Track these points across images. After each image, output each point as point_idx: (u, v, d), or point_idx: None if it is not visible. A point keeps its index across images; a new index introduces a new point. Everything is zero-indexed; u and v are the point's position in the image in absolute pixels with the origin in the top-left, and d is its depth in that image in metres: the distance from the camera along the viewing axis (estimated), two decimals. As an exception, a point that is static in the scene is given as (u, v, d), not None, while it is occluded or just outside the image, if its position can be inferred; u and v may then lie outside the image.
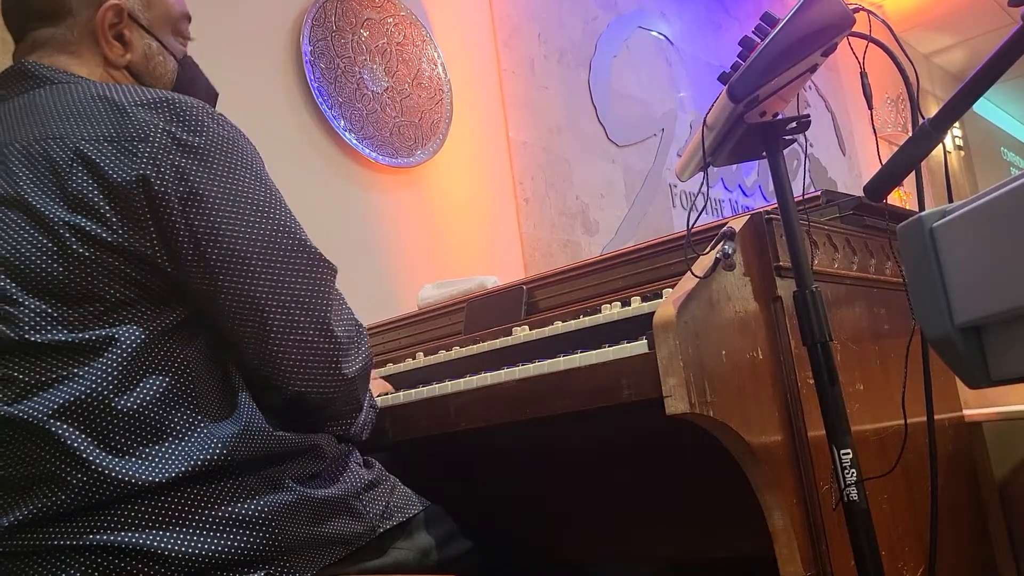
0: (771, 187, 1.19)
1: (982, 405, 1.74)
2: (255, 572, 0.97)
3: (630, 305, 1.33)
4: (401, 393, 1.39)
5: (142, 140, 1.00)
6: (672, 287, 1.18)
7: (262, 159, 1.12)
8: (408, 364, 1.65)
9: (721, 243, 1.14)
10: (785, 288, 1.21)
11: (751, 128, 1.15)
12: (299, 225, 1.10)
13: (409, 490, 1.23)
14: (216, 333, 1.06)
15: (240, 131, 1.11)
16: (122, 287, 0.98)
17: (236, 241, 1.02)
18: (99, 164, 0.98)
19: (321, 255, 1.11)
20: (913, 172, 1.01)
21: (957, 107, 0.91)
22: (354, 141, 2.72)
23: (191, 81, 1.26)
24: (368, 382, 1.19)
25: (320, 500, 1.06)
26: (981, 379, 0.74)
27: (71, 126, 1.02)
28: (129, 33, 1.18)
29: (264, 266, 1.04)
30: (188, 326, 1.03)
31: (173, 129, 1.02)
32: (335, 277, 1.13)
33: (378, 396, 1.44)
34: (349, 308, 1.15)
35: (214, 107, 1.29)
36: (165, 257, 1.00)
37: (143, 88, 1.08)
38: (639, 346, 1.09)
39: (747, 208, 4.43)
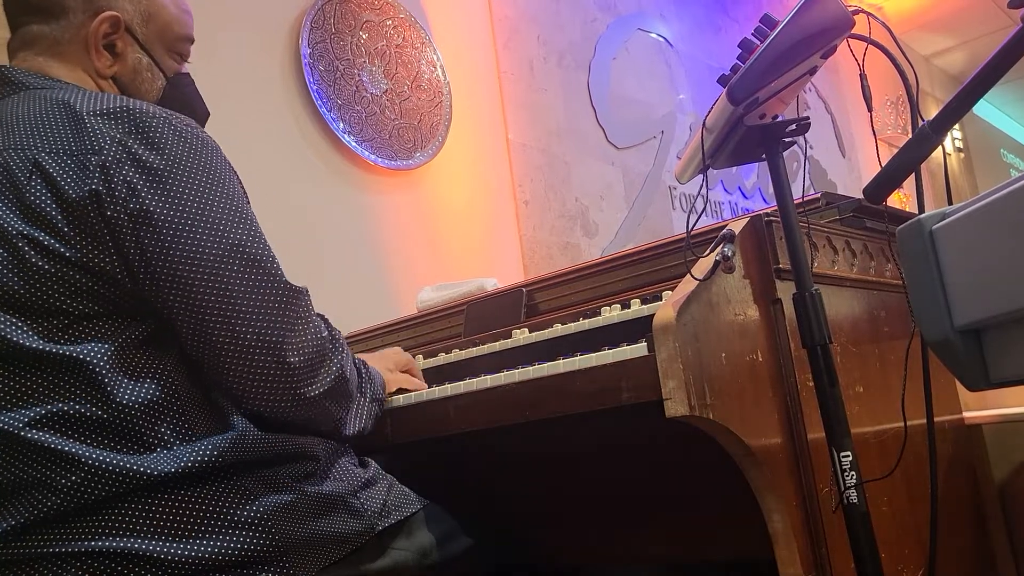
0: (771, 189, 1.19)
1: (982, 407, 1.74)
2: (255, 574, 0.97)
3: (630, 308, 1.33)
4: (400, 396, 1.39)
5: (95, 152, 0.98)
6: (672, 289, 1.17)
7: (233, 174, 1.09)
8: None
9: (721, 245, 1.14)
10: (785, 290, 1.21)
11: (751, 130, 1.15)
12: (263, 247, 1.06)
13: (407, 489, 1.23)
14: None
15: (209, 145, 1.07)
16: (86, 301, 0.97)
17: (184, 262, 0.99)
18: (55, 178, 0.96)
19: (281, 277, 1.06)
20: (913, 174, 1.01)
21: (957, 109, 0.91)
22: (353, 143, 2.72)
23: (177, 100, 1.23)
24: (346, 396, 1.14)
25: (317, 497, 1.06)
26: (980, 381, 0.74)
27: (32, 136, 1.00)
28: (122, 45, 1.16)
29: (213, 288, 1.00)
30: (160, 336, 1.02)
31: (129, 142, 0.99)
32: (300, 298, 1.08)
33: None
34: (318, 326, 1.09)
35: (203, 126, 1.28)
36: (125, 273, 0.98)
37: (110, 96, 1.05)
38: (639, 348, 1.09)
39: (747, 210, 4.42)
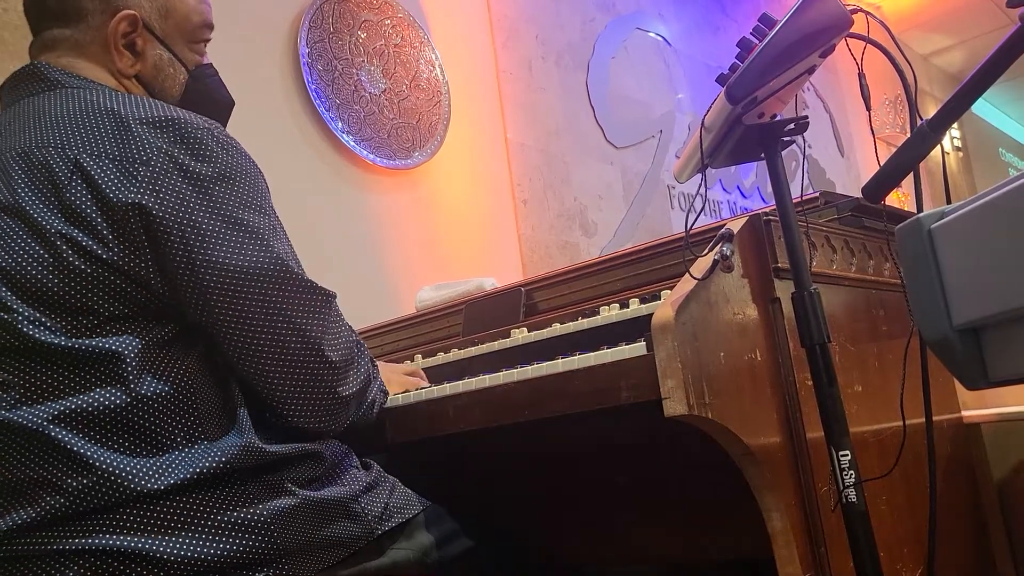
0: (769, 188, 1.19)
1: (980, 406, 1.74)
2: (252, 575, 0.98)
3: (628, 307, 1.33)
4: (400, 395, 1.39)
5: (143, 163, 0.99)
6: (670, 289, 1.17)
7: (267, 185, 1.12)
8: (407, 366, 1.65)
9: (719, 245, 1.14)
10: (783, 290, 1.21)
11: (749, 129, 1.15)
12: (293, 255, 1.11)
13: (409, 490, 1.23)
14: (214, 349, 1.06)
15: (247, 156, 1.09)
16: (117, 302, 0.98)
17: (232, 272, 1.01)
18: (98, 181, 0.97)
19: (313, 283, 1.10)
20: (911, 173, 1.01)
21: (955, 108, 0.91)
22: (352, 143, 2.71)
23: (200, 92, 1.24)
24: (363, 400, 1.18)
25: (319, 503, 1.06)
26: (979, 380, 0.74)
27: (73, 136, 1.01)
28: (142, 43, 1.17)
29: (259, 295, 1.03)
30: (183, 339, 1.03)
31: (177, 153, 1.01)
32: (332, 302, 1.13)
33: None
34: (348, 329, 1.15)
35: (228, 116, 1.28)
36: (160, 279, 0.99)
37: (152, 102, 1.07)
38: (638, 348, 1.09)
39: (745, 210, 4.43)
